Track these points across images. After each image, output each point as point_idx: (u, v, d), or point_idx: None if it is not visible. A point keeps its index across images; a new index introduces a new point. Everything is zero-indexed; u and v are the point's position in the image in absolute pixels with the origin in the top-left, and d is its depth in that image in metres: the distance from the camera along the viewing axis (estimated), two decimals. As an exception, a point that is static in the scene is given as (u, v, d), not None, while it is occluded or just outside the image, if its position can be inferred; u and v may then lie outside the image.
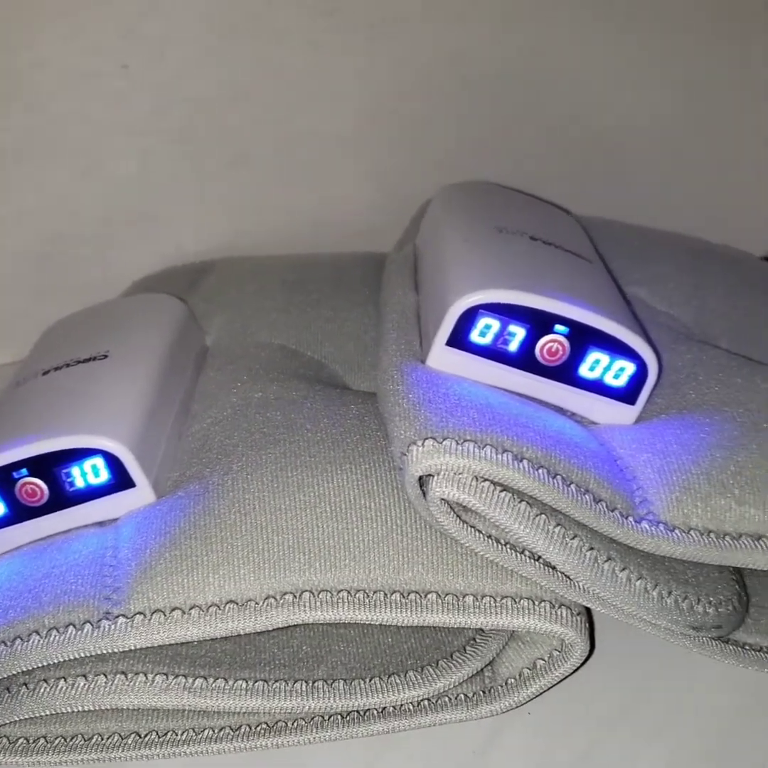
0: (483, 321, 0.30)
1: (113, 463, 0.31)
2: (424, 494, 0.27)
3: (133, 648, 0.27)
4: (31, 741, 0.29)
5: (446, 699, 0.29)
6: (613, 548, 0.27)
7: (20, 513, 0.31)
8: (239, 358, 0.38)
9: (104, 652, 0.27)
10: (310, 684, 0.28)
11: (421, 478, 0.27)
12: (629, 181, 0.55)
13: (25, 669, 0.27)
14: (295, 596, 0.27)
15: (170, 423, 0.34)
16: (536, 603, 0.28)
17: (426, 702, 0.29)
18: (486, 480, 0.26)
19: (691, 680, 0.31)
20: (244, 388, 0.35)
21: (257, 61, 0.47)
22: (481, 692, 0.30)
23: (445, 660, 0.29)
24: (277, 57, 0.47)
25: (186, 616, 0.27)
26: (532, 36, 0.50)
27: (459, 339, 0.30)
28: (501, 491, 0.26)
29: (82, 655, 0.27)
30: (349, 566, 0.28)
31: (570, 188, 0.53)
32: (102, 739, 0.29)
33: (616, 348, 0.30)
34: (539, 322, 0.30)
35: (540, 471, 0.26)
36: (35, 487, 0.30)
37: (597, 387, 0.31)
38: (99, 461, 0.31)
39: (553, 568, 0.27)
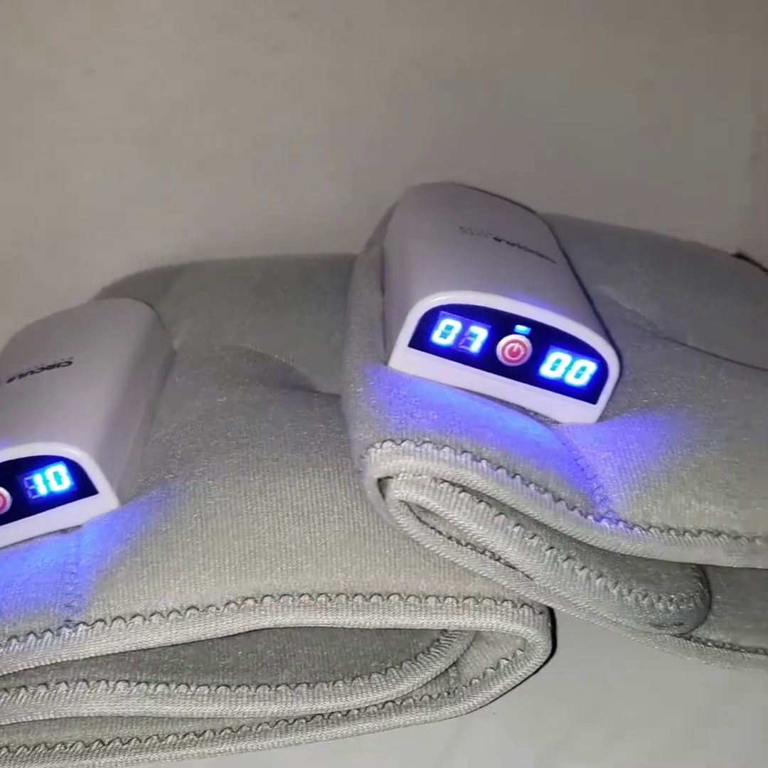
0: (444, 322, 0.30)
1: (75, 470, 0.30)
2: (384, 496, 0.27)
3: (94, 655, 0.27)
4: (-8, 751, 0.29)
5: (411, 700, 0.29)
6: (573, 547, 0.27)
7: (-17, 522, 0.31)
8: (205, 362, 0.38)
9: (65, 660, 0.27)
10: (274, 688, 0.28)
11: (381, 480, 0.27)
12: (599, 180, 0.55)
13: (-16, 678, 0.27)
14: (256, 601, 0.27)
15: (135, 429, 0.34)
16: (498, 603, 0.28)
17: (390, 704, 0.29)
18: (445, 481, 0.26)
19: (655, 678, 0.31)
20: (209, 392, 0.35)
21: (224, 65, 0.47)
22: (445, 693, 0.29)
23: (409, 662, 0.29)
24: (243, 60, 0.47)
25: (147, 622, 0.27)
26: (499, 37, 0.50)
27: (421, 340, 0.30)
28: (460, 492, 0.26)
29: (43, 663, 0.27)
30: (311, 570, 0.28)
31: (541, 188, 0.53)
32: (65, 748, 0.29)
33: (577, 347, 0.30)
34: (500, 323, 0.30)
35: (499, 471, 0.26)
36: (-2, 495, 0.30)
37: (559, 386, 0.31)
38: (61, 468, 0.30)
39: (514, 568, 0.27)
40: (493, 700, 0.29)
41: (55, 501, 0.31)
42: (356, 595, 0.28)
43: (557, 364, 0.30)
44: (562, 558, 0.26)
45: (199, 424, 0.33)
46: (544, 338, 0.30)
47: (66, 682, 0.27)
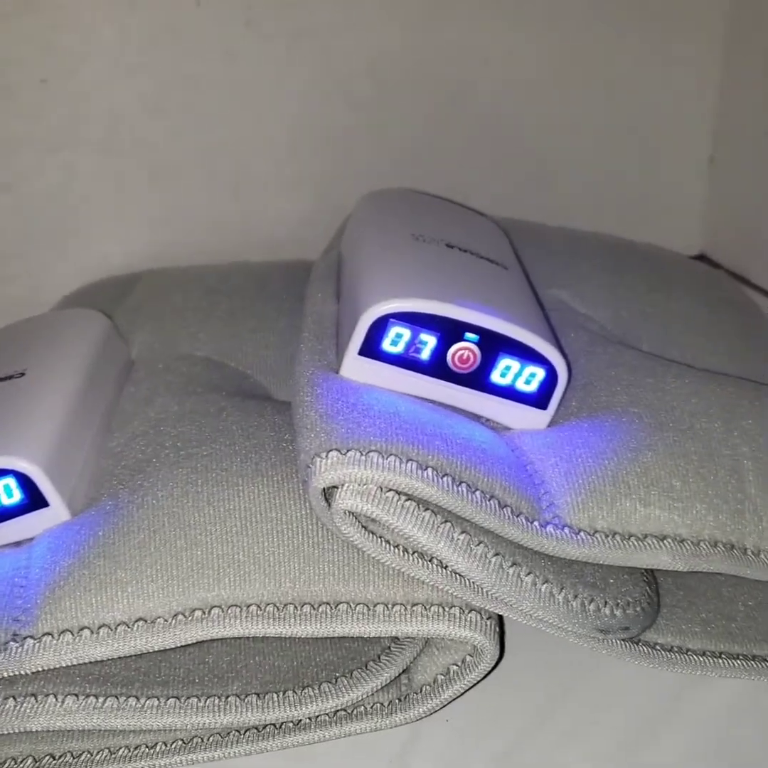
0: (394, 330, 0.30)
1: (26, 482, 0.30)
2: (330, 506, 0.27)
3: (42, 669, 0.27)
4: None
5: (363, 708, 0.29)
6: (519, 553, 0.27)
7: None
8: (160, 371, 0.38)
9: (12, 674, 0.26)
10: (223, 699, 0.28)
11: (328, 489, 0.27)
12: (555, 183, 0.55)
13: (-71, 695, 0.26)
14: (204, 612, 0.27)
15: (89, 440, 0.34)
16: (446, 609, 0.28)
17: (342, 712, 0.29)
18: (391, 490, 0.26)
19: (606, 681, 0.31)
20: (162, 402, 0.35)
21: (175, 73, 0.47)
22: (397, 700, 0.30)
23: (359, 670, 0.29)
24: (194, 68, 0.47)
25: (95, 635, 0.27)
26: (451, 41, 0.50)
27: (371, 348, 0.30)
28: (406, 500, 0.26)
29: (-10, 678, 0.26)
30: (259, 580, 0.28)
31: (498, 192, 0.53)
32: (15, 764, 0.28)
33: (526, 354, 0.30)
34: (450, 330, 0.30)
35: (445, 479, 0.26)
36: (-53, 509, 0.30)
37: (509, 393, 0.31)
38: (11, 481, 0.30)
39: (462, 575, 0.27)
40: (444, 706, 0.29)
41: (5, 514, 0.31)
42: (304, 604, 0.28)
43: (507, 370, 0.30)
44: (508, 564, 0.27)
45: (150, 434, 0.33)
46: (494, 345, 0.30)
47: (14, 698, 0.27)
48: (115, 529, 0.29)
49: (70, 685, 0.28)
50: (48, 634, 0.27)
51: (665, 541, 0.27)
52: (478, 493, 0.26)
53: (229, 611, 0.28)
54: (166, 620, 0.27)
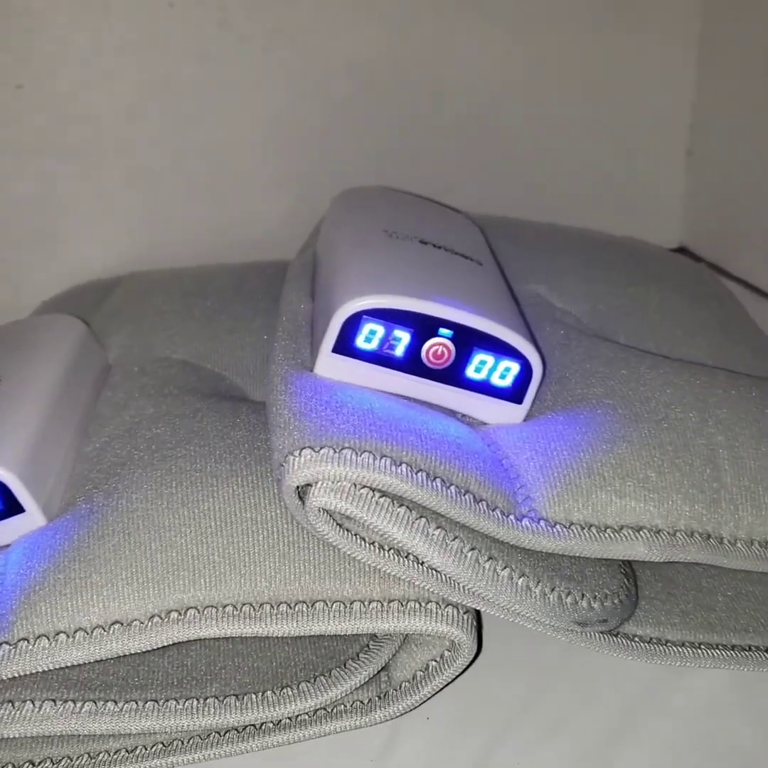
0: (367, 326, 0.30)
1: (1, 489, 0.30)
2: (304, 504, 0.27)
3: (18, 675, 0.27)
4: None
5: (342, 707, 0.29)
6: (495, 548, 0.27)
7: None
8: (136, 375, 0.37)
9: (-12, 681, 0.26)
10: (202, 701, 0.28)
11: (302, 487, 0.27)
12: (534, 180, 0.55)
13: None
14: (180, 613, 0.27)
15: (65, 445, 0.34)
16: (423, 604, 0.28)
17: (322, 711, 0.29)
18: (365, 486, 0.26)
19: (585, 675, 0.31)
20: (138, 405, 0.35)
21: (149, 76, 0.47)
22: (376, 697, 0.29)
23: (338, 669, 0.29)
24: (169, 71, 0.47)
25: (71, 639, 0.27)
26: (428, 40, 0.50)
27: (345, 345, 0.30)
28: (380, 497, 0.26)
29: (-35, 685, 0.26)
30: (235, 580, 0.28)
31: (476, 189, 0.53)
32: (-6, 771, 0.28)
33: (500, 349, 0.30)
34: (423, 326, 0.30)
35: (419, 475, 0.26)
36: None
37: (484, 388, 0.31)
38: (-15, 488, 0.30)
39: (438, 571, 0.27)
40: (424, 702, 0.29)
41: (-19, 522, 0.30)
42: (281, 603, 0.28)
43: (482, 365, 0.30)
44: (484, 559, 0.27)
45: (125, 438, 0.33)
46: (468, 340, 0.30)
47: (-9, 705, 0.27)
48: (89, 533, 0.29)
49: (48, 690, 0.28)
50: (24, 639, 0.27)
51: (641, 532, 0.27)
52: (452, 488, 0.26)
53: (206, 612, 0.27)
54: (142, 623, 0.27)
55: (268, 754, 0.29)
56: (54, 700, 0.27)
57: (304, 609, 0.28)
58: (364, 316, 0.30)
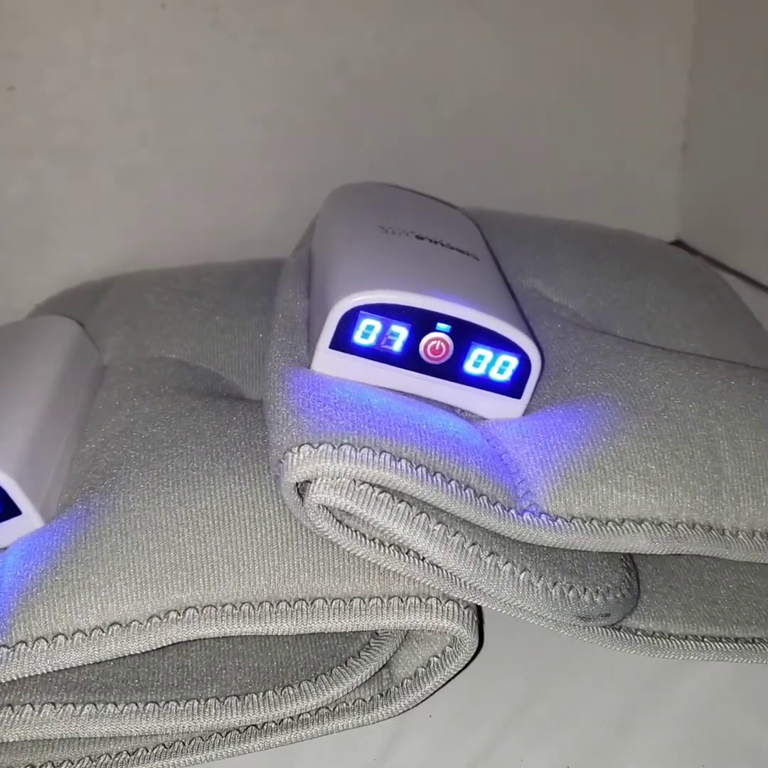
0: (365, 322, 0.29)
1: (-2, 492, 0.30)
2: (303, 501, 0.26)
3: (17, 678, 0.26)
4: None
5: (344, 705, 0.29)
6: (497, 542, 0.27)
7: None
8: (132, 375, 0.37)
9: (-13, 684, 0.26)
10: (203, 702, 0.28)
11: (301, 484, 0.27)
12: (530, 176, 0.55)
13: None
14: (178, 613, 0.27)
15: (62, 447, 0.34)
16: (423, 600, 0.28)
17: (325, 709, 0.29)
18: (365, 482, 0.26)
19: (588, 670, 0.31)
20: (133, 405, 0.34)
21: (141, 77, 0.46)
22: (378, 695, 0.29)
23: (339, 667, 0.29)
24: (161, 71, 0.47)
25: (69, 641, 0.27)
26: (420, 38, 0.50)
27: (342, 341, 0.30)
28: (380, 493, 0.26)
29: (-36, 689, 0.26)
30: (233, 579, 0.27)
31: (471, 187, 0.53)
32: (-6, 775, 0.28)
33: (499, 343, 0.30)
34: (421, 321, 0.30)
35: (419, 470, 0.26)
36: None
37: (482, 382, 0.31)
38: (-18, 490, 0.30)
39: (439, 566, 0.27)
40: (426, 699, 0.29)
41: (-23, 524, 0.30)
42: (280, 601, 0.27)
43: (480, 360, 0.30)
44: (486, 554, 0.26)
45: (121, 438, 0.33)
46: (466, 335, 0.30)
47: (-10, 709, 0.27)
48: (86, 534, 0.29)
49: (47, 693, 0.27)
50: (22, 642, 0.27)
51: (643, 525, 0.27)
52: (453, 483, 0.26)
53: (205, 612, 0.27)
54: (141, 623, 0.27)
55: (271, 753, 0.29)
56: (54, 703, 0.27)
57: (303, 607, 0.28)
58: (361, 312, 0.29)
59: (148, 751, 0.28)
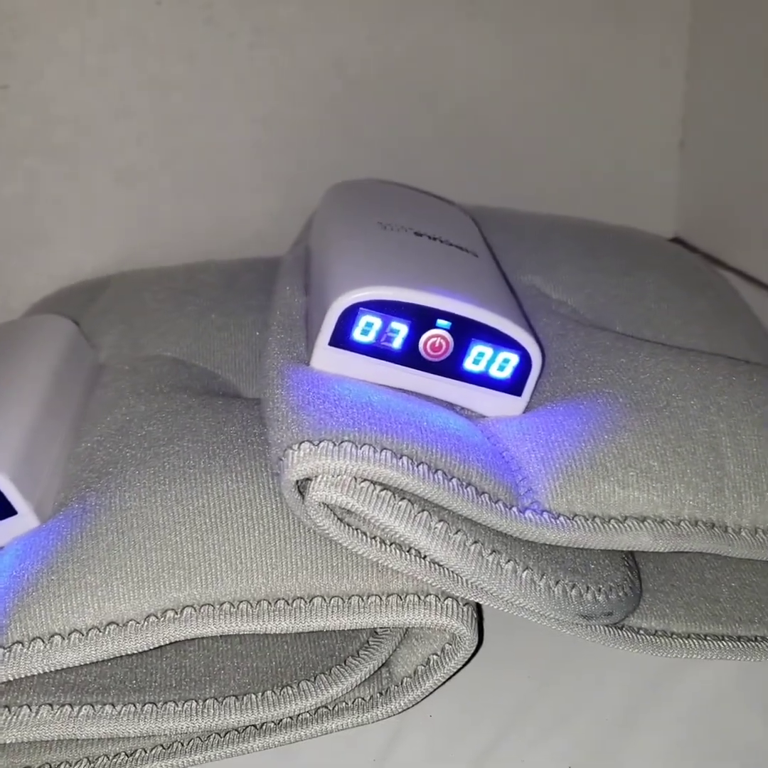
0: (364, 319, 0.29)
1: (-8, 491, 0.30)
2: (304, 499, 0.26)
3: (13, 678, 0.26)
4: None
5: (344, 704, 0.29)
6: (499, 540, 0.27)
7: None
8: (128, 373, 0.37)
9: (-18, 685, 0.26)
10: (201, 702, 0.28)
11: (301, 482, 0.26)
12: (528, 175, 0.55)
13: None
14: (176, 612, 0.27)
15: (57, 446, 0.33)
16: (422, 597, 0.27)
17: (324, 709, 0.29)
18: (366, 480, 0.26)
19: (588, 668, 0.31)
20: (129, 404, 0.34)
21: (137, 75, 0.46)
22: (378, 694, 0.29)
23: (338, 666, 0.29)
24: (156, 70, 0.46)
25: (66, 641, 0.26)
26: (417, 36, 0.50)
27: (341, 338, 0.30)
28: (381, 490, 0.26)
29: (-40, 690, 0.26)
30: (231, 577, 0.27)
31: (469, 185, 0.53)
32: (-9, 777, 0.28)
33: (499, 340, 0.30)
34: (421, 318, 0.29)
35: (420, 467, 0.26)
36: None
37: (483, 380, 0.30)
38: (-25, 491, 0.30)
39: (440, 565, 0.27)
40: (426, 697, 0.29)
41: (-28, 525, 0.30)
42: (278, 599, 0.27)
43: (480, 357, 0.30)
44: (487, 552, 0.26)
45: (117, 436, 0.33)
46: (466, 332, 0.30)
47: (-13, 710, 0.26)
48: (82, 533, 0.28)
49: (45, 694, 0.27)
50: (18, 642, 0.26)
51: (646, 523, 0.27)
52: (454, 480, 0.26)
53: (202, 610, 0.27)
54: (138, 623, 0.27)
55: (270, 754, 0.29)
56: (51, 705, 0.27)
57: (301, 605, 0.27)
58: (361, 308, 0.29)
59: (146, 752, 0.28)
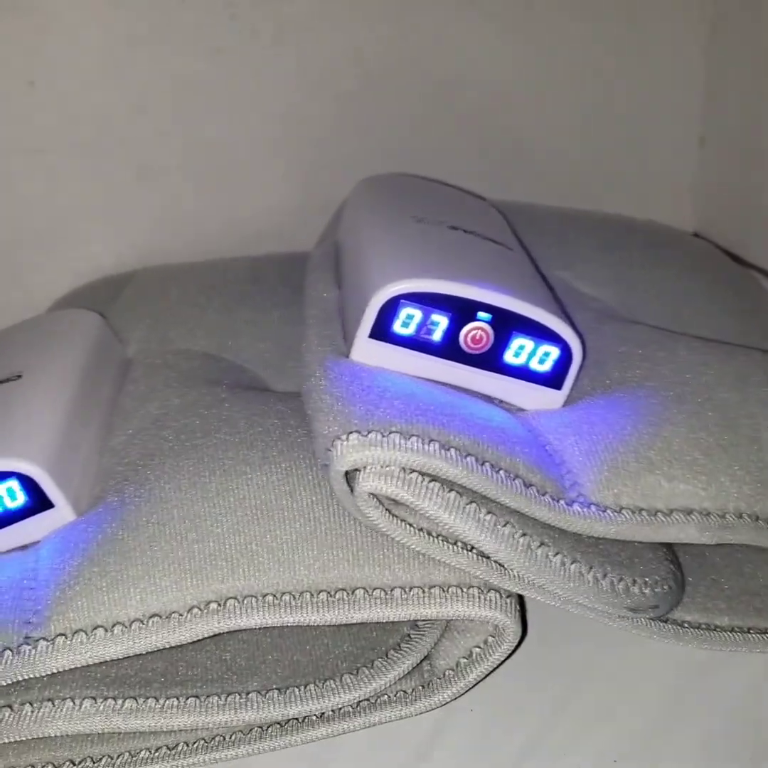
0: (405, 311, 0.29)
1: (29, 485, 0.29)
2: (352, 490, 0.26)
3: (56, 671, 0.26)
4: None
5: (386, 697, 0.29)
6: (546, 533, 0.26)
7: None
8: (158, 367, 0.37)
9: (27, 678, 0.26)
10: (244, 696, 0.27)
11: (348, 473, 0.26)
12: (546, 171, 0.55)
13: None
14: (219, 604, 0.26)
15: (90, 439, 0.33)
16: (465, 589, 0.27)
17: (366, 702, 0.28)
18: (414, 471, 0.25)
19: (629, 660, 0.31)
20: (162, 397, 0.34)
21: (160, 71, 0.46)
22: (420, 687, 0.29)
23: (380, 659, 0.28)
24: (180, 66, 0.46)
25: (109, 633, 0.26)
26: (435, 32, 0.50)
27: (382, 330, 0.29)
28: (430, 482, 0.25)
29: (4, 683, 0.25)
30: (274, 569, 0.27)
31: (487, 179, 0.53)
32: (34, 771, 0.28)
33: (540, 333, 0.30)
34: (462, 310, 0.29)
35: (468, 459, 0.26)
36: (-50, 515, 0.29)
37: (523, 373, 0.30)
38: (14, 484, 0.29)
39: (487, 557, 0.27)
40: (469, 690, 0.29)
41: (10, 518, 0.30)
42: (321, 591, 0.27)
43: (520, 350, 0.30)
44: (536, 544, 0.26)
45: (152, 429, 0.33)
46: (507, 325, 0.29)
47: (31, 703, 0.26)
48: (123, 525, 0.28)
49: (87, 688, 0.27)
50: (61, 634, 0.26)
51: (692, 515, 0.27)
52: (502, 472, 0.26)
53: (246, 602, 0.27)
54: (181, 615, 0.26)
55: (312, 747, 0.28)
56: (94, 698, 0.27)
57: (344, 597, 0.27)
58: (402, 301, 0.29)
59: (188, 746, 0.28)
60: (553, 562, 0.26)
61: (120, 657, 0.26)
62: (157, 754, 0.28)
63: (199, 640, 0.27)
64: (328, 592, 0.27)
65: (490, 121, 0.53)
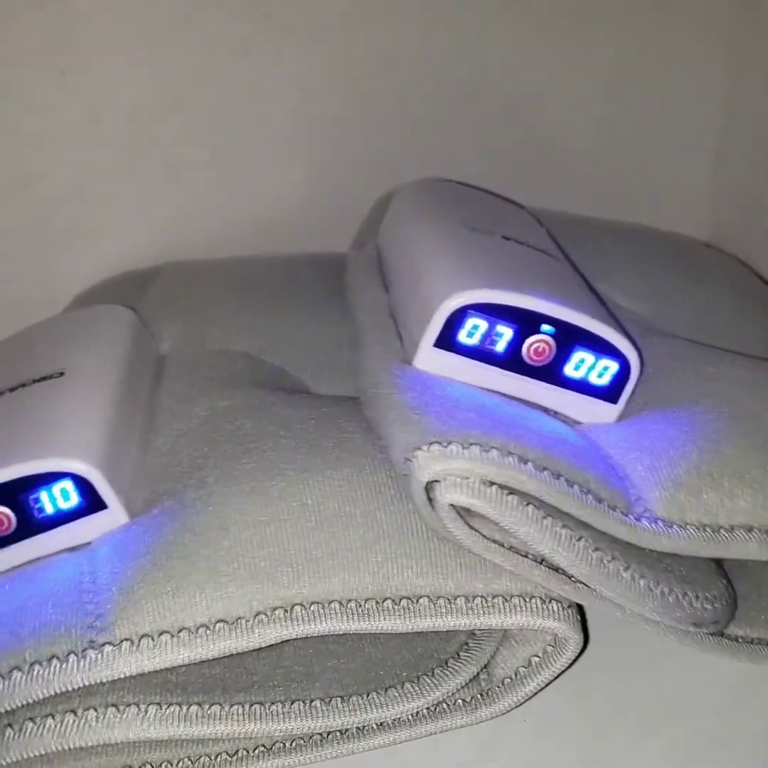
0: (471, 321, 0.29)
1: (83, 485, 0.29)
2: (431, 501, 0.26)
3: (122, 677, 0.25)
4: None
5: (444, 706, 0.29)
6: (616, 548, 0.27)
7: (-14, 544, 0.29)
8: (199, 366, 0.36)
9: (92, 683, 0.25)
10: (308, 703, 0.27)
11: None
12: (561, 177, 0.55)
13: (8, 709, 0.25)
14: (286, 610, 0.26)
15: (135, 439, 0.33)
16: (527, 599, 0.27)
17: (425, 710, 0.29)
18: (493, 484, 0.26)
19: (683, 670, 0.31)
20: (208, 397, 0.34)
21: (190, 68, 0.45)
22: (478, 695, 0.29)
23: (440, 668, 0.28)
24: (210, 63, 0.46)
25: (175, 639, 0.26)
26: (463, 36, 0.50)
27: (446, 340, 0.29)
28: (508, 494, 0.26)
29: (70, 688, 0.25)
30: (339, 576, 0.27)
31: (505, 184, 0.53)
32: (92, 778, 0.27)
33: (601, 347, 0.30)
34: (526, 322, 0.29)
35: (545, 473, 0.26)
36: (1, 515, 0.29)
37: (581, 386, 0.30)
38: (68, 484, 0.29)
39: (557, 569, 0.27)
40: (527, 700, 0.29)
41: (62, 518, 0.29)
42: (386, 599, 0.27)
43: (581, 363, 0.30)
44: (608, 559, 0.26)
45: (202, 430, 0.32)
46: (570, 338, 0.30)
47: (95, 709, 0.26)
48: (184, 529, 0.28)
49: (151, 694, 0.26)
50: (127, 639, 0.26)
51: (753, 532, 0.27)
52: (576, 487, 0.26)
53: (311, 609, 0.27)
54: (247, 621, 0.26)
55: (367, 756, 0.28)
56: (159, 704, 0.26)
57: (408, 605, 0.27)
58: (469, 311, 0.29)
59: (248, 752, 0.28)
60: (624, 577, 0.26)
61: (186, 663, 0.26)
62: (217, 760, 0.27)
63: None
64: (393, 600, 0.27)
65: (509, 127, 0.53)
